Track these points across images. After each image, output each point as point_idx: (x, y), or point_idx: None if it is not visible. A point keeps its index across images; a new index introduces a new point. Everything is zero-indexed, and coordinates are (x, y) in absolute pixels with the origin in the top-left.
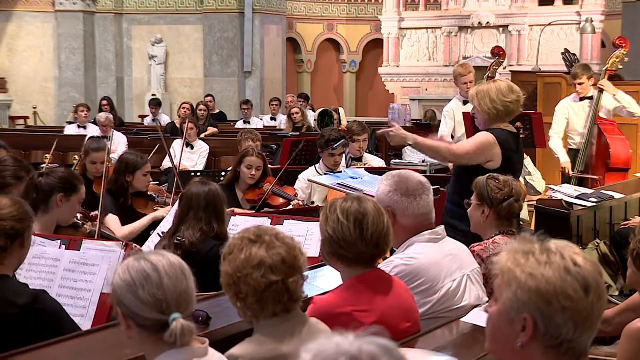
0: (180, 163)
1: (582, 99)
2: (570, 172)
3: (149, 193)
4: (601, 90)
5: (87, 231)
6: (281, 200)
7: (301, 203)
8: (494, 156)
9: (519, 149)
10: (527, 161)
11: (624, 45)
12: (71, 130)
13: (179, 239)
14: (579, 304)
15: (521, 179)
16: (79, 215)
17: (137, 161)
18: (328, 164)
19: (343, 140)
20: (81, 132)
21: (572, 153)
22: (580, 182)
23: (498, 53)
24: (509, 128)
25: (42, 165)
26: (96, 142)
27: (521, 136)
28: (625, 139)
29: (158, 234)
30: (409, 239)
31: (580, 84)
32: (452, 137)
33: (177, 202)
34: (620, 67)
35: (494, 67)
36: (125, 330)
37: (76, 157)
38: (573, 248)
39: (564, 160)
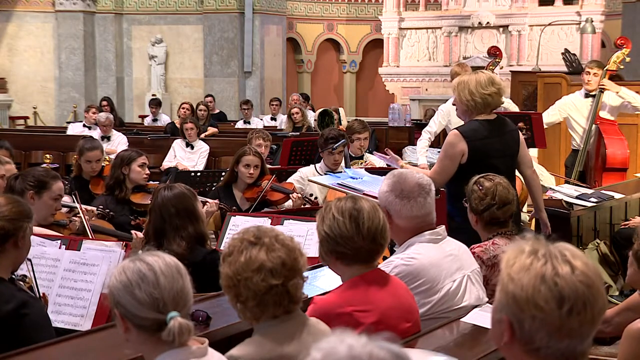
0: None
1: (587, 96)
2: None
3: (147, 187)
4: (601, 90)
5: (77, 227)
6: (280, 195)
7: (300, 195)
8: (462, 152)
9: (493, 135)
10: None
11: (625, 45)
12: (76, 129)
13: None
14: (549, 315)
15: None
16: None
17: (132, 154)
18: (328, 162)
19: (343, 140)
20: (85, 132)
21: (574, 154)
22: (581, 182)
23: (494, 53)
24: (486, 117)
25: (42, 165)
26: (89, 141)
27: (523, 136)
28: (623, 139)
29: None
30: (409, 239)
31: (594, 74)
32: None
33: (148, 213)
34: (621, 67)
35: (490, 67)
36: (124, 333)
37: (76, 157)
38: (567, 255)
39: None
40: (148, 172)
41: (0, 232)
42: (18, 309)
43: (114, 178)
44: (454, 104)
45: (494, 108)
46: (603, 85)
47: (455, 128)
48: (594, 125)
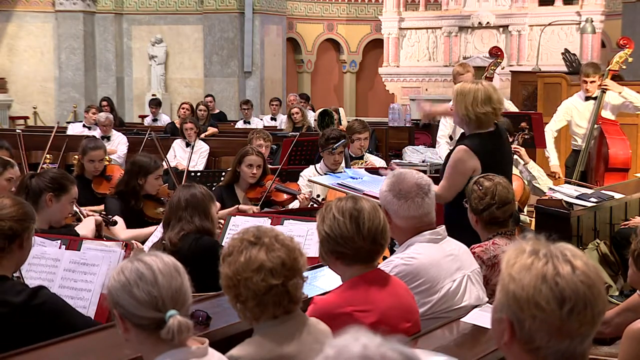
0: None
1: (587, 99)
2: (561, 177)
3: (158, 196)
4: (603, 91)
5: None
6: (285, 196)
7: (307, 195)
8: (474, 168)
9: (499, 146)
10: (531, 164)
11: (627, 45)
12: (76, 129)
13: (164, 242)
14: (550, 315)
15: (525, 182)
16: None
17: (151, 165)
18: (328, 162)
19: (343, 140)
20: (85, 132)
21: (575, 154)
22: (582, 182)
23: (496, 54)
24: (487, 130)
25: (42, 166)
26: (93, 141)
27: (525, 137)
28: (625, 139)
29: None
30: (409, 239)
31: (592, 82)
32: (451, 138)
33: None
34: (624, 67)
35: (492, 68)
36: (123, 333)
37: (76, 157)
38: (568, 255)
39: (554, 164)
40: (162, 183)
41: (8, 233)
42: (29, 300)
43: (130, 187)
44: (450, 108)
45: (490, 124)
46: (605, 85)
47: (463, 143)
48: (595, 125)
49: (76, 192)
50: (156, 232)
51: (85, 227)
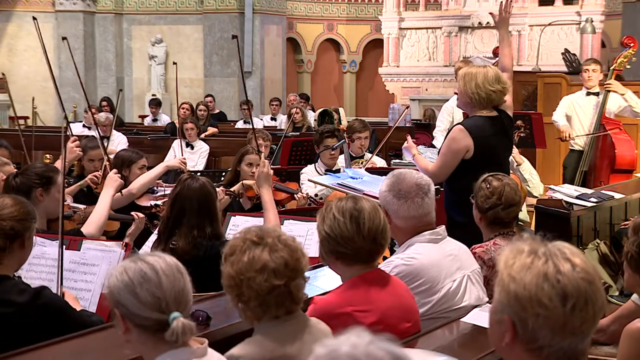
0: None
1: (588, 94)
2: (571, 137)
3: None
4: (608, 91)
5: (81, 217)
6: (284, 195)
7: (305, 195)
8: (467, 147)
9: (497, 132)
10: (524, 166)
11: (632, 45)
12: (76, 129)
13: (173, 244)
14: (553, 313)
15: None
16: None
17: (132, 156)
18: (324, 159)
19: (343, 141)
20: (85, 132)
21: (576, 154)
22: (584, 182)
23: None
24: (488, 114)
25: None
26: (92, 140)
27: (521, 135)
28: (631, 139)
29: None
30: (409, 239)
31: (593, 70)
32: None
33: (170, 200)
34: (628, 67)
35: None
36: (123, 333)
37: None
38: (567, 253)
39: (563, 124)
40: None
41: (10, 233)
42: (34, 300)
43: None
44: (455, 93)
45: (495, 105)
46: (610, 85)
47: (460, 123)
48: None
49: (62, 179)
50: (154, 233)
51: (112, 180)
